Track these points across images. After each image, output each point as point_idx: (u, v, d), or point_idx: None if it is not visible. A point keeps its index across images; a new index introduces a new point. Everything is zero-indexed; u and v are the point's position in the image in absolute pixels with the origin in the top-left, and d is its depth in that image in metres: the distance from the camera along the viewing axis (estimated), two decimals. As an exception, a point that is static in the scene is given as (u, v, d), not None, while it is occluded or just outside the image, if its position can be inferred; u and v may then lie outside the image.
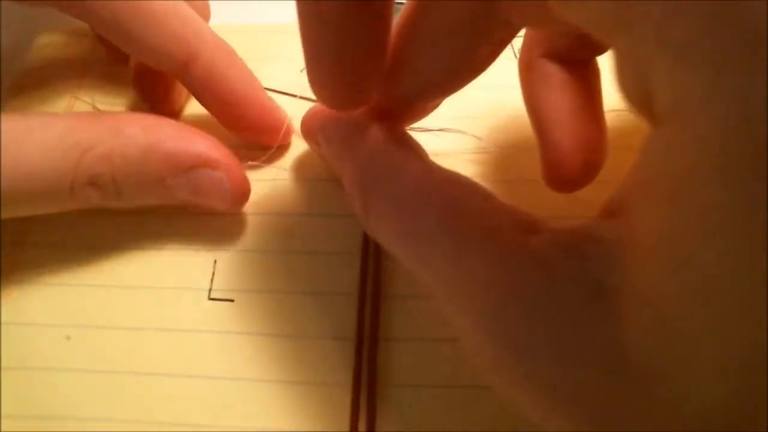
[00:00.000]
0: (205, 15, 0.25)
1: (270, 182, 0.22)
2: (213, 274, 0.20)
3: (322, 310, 0.20)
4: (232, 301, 0.20)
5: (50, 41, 0.27)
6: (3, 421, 0.18)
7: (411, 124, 0.19)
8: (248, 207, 0.21)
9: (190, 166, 0.19)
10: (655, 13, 0.09)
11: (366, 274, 0.20)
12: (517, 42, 0.25)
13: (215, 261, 0.21)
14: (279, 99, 0.23)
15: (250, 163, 0.22)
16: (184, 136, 0.19)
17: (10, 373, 0.19)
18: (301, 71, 0.25)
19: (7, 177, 0.17)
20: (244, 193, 0.20)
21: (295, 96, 0.23)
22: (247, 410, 0.18)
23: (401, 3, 0.26)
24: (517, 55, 0.25)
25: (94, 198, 0.18)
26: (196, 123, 0.21)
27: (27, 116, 0.18)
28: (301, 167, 0.23)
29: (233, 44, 0.26)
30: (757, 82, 0.08)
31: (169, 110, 0.24)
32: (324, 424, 0.18)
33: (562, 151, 0.18)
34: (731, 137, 0.08)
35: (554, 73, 0.18)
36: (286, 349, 0.19)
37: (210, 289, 0.20)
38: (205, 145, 0.19)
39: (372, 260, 0.20)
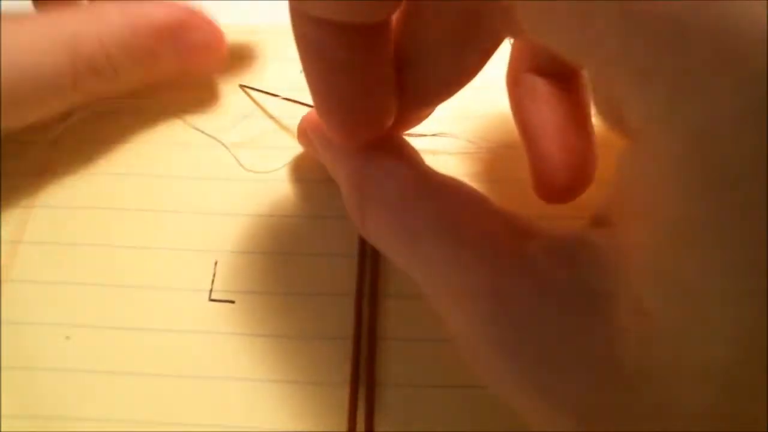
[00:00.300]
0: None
1: (270, 184, 0.22)
2: (214, 275, 0.20)
3: (323, 311, 0.20)
4: (232, 302, 0.20)
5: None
6: (3, 421, 0.18)
7: (405, 131, 0.19)
8: (248, 208, 0.22)
9: (174, 31, 0.21)
10: (614, 37, 0.09)
11: (363, 275, 0.20)
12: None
13: (216, 262, 0.21)
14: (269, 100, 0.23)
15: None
16: (159, 6, 0.21)
17: (10, 373, 0.19)
18: (302, 72, 0.25)
19: (9, 78, 0.18)
20: (222, 43, 0.22)
21: (277, 96, 0.23)
22: (247, 410, 0.18)
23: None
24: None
25: (94, 84, 0.20)
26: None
27: (16, 18, 0.19)
28: (299, 169, 0.23)
29: (232, 45, 0.26)
30: (711, 100, 0.08)
31: None
32: (324, 424, 0.18)
33: (551, 162, 0.18)
34: (689, 154, 0.09)
35: (540, 87, 0.18)
36: (286, 350, 0.19)
37: (211, 290, 0.20)
38: (180, 10, 0.21)
39: (369, 261, 0.20)
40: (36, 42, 0.19)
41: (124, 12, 0.20)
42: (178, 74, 0.22)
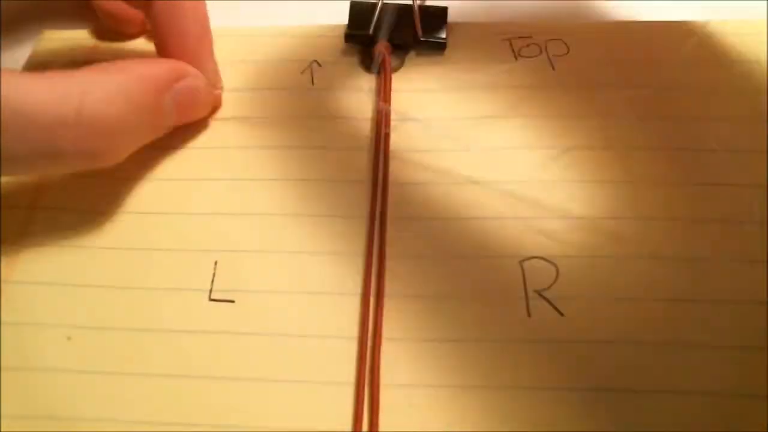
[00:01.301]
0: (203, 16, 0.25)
1: (270, 183, 0.22)
2: (213, 274, 0.20)
3: (323, 311, 0.20)
4: (232, 302, 0.20)
5: (50, 41, 0.27)
6: (3, 421, 0.18)
7: None
8: (248, 208, 0.21)
9: (174, 80, 0.21)
10: None
11: (370, 272, 0.20)
12: (516, 43, 0.26)
13: (216, 262, 0.21)
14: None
15: None
16: (152, 60, 0.21)
17: (10, 373, 0.19)
18: (302, 73, 0.25)
19: (9, 129, 0.17)
20: (217, 95, 0.23)
21: None
22: (247, 410, 0.18)
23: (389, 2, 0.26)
24: (518, 56, 0.25)
25: (99, 147, 0.19)
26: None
27: (22, 73, 0.18)
28: (302, 167, 0.23)
29: (233, 46, 0.26)
30: None
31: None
32: (324, 424, 0.18)
33: None
34: None
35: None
36: (286, 350, 0.19)
37: (210, 290, 0.20)
38: (172, 61, 0.21)
39: (375, 261, 0.20)
40: (41, 101, 0.17)
41: (127, 68, 0.20)
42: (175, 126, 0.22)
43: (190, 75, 0.21)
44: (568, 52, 0.25)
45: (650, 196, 0.21)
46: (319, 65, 0.26)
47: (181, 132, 0.23)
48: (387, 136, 0.23)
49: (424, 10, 0.26)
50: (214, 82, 0.23)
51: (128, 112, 0.19)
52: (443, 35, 0.26)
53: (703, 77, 0.24)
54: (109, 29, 0.26)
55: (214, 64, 0.24)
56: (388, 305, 0.19)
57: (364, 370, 0.18)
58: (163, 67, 0.21)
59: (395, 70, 0.25)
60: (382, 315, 0.19)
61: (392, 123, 0.23)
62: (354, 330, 0.19)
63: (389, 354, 0.19)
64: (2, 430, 0.18)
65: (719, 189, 0.21)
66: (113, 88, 0.19)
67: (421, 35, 0.26)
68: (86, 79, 0.18)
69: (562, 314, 0.19)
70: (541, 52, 0.25)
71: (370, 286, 0.20)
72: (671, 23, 0.26)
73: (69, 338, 0.19)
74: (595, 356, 0.18)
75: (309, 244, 0.21)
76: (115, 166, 0.23)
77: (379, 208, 0.21)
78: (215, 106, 0.24)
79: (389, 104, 0.24)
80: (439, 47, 0.26)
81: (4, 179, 0.22)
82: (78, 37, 0.27)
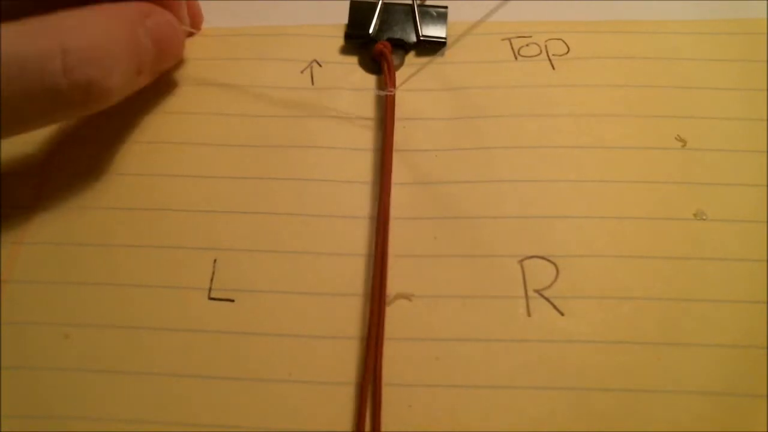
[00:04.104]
0: (197, 17, 0.26)
1: (270, 182, 0.22)
2: (213, 273, 0.20)
3: (323, 311, 0.20)
4: (232, 300, 0.20)
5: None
6: (3, 421, 0.18)
7: None
8: (248, 207, 0.22)
9: (144, 16, 0.21)
10: None
11: (376, 274, 0.20)
12: (516, 42, 0.26)
13: (215, 260, 0.21)
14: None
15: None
16: (120, 2, 0.21)
17: (10, 373, 0.19)
18: (302, 72, 0.25)
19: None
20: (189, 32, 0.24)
21: None
22: (247, 410, 0.18)
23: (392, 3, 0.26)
24: (518, 56, 0.25)
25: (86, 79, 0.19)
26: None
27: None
28: (302, 167, 0.23)
29: (233, 46, 0.26)
30: None
31: None
32: (325, 424, 0.18)
33: None
34: None
35: None
36: (286, 349, 0.19)
37: (210, 289, 0.20)
38: (139, 2, 0.21)
39: (376, 261, 0.20)
40: (24, 43, 0.18)
41: (97, 7, 0.20)
42: (155, 68, 0.23)
43: (157, 12, 0.22)
44: (568, 51, 0.25)
45: (650, 195, 0.21)
46: (319, 65, 0.26)
47: (179, 128, 0.23)
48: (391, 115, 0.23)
49: (424, 9, 0.26)
50: (185, 20, 0.24)
51: (108, 41, 0.20)
52: (443, 35, 0.26)
53: (703, 77, 0.24)
54: None
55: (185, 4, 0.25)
56: (390, 305, 0.19)
57: (371, 370, 0.18)
58: (131, 5, 0.21)
59: (395, 70, 0.25)
60: (383, 315, 0.19)
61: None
62: (354, 330, 0.19)
63: (389, 354, 0.19)
64: (2, 430, 0.18)
65: (719, 189, 0.21)
66: (90, 23, 0.19)
67: (421, 35, 0.26)
68: (63, 21, 0.19)
69: (562, 314, 0.19)
70: (541, 51, 0.25)
71: (375, 285, 0.20)
72: (671, 23, 0.26)
73: (67, 337, 0.19)
74: (595, 356, 0.18)
75: (309, 244, 0.21)
76: (115, 162, 0.23)
77: (380, 208, 0.21)
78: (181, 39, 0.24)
79: (394, 89, 0.24)
80: (439, 47, 0.26)
81: (5, 179, 0.22)
82: None
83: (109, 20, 0.20)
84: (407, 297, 0.20)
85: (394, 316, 0.19)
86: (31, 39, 0.18)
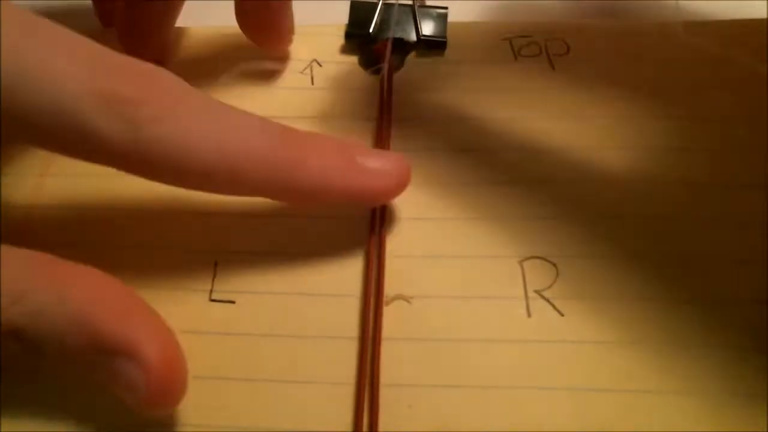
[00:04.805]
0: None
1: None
2: (214, 275, 0.20)
3: (324, 312, 0.20)
4: (233, 302, 0.20)
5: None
6: (3, 421, 0.18)
7: None
8: (248, 208, 0.22)
9: (113, 352, 0.16)
10: None
11: (370, 275, 0.20)
12: (517, 42, 0.26)
13: (216, 262, 0.21)
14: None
15: None
16: (123, 311, 0.16)
17: (11, 373, 0.19)
18: (302, 72, 0.25)
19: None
20: (163, 394, 0.16)
21: None
22: (247, 410, 0.18)
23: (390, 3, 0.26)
24: (518, 56, 0.25)
25: (14, 350, 0.16)
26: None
27: None
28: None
29: (232, 46, 0.26)
30: None
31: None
32: (324, 425, 0.18)
33: None
34: None
35: None
36: (287, 350, 0.19)
37: (211, 290, 0.20)
38: (138, 333, 0.16)
39: (376, 261, 0.20)
40: None
41: (86, 297, 0.16)
42: None
43: (132, 355, 0.16)
44: (568, 51, 0.25)
45: (650, 195, 0.21)
46: (319, 65, 0.26)
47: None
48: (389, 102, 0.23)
49: (425, 9, 0.26)
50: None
51: (50, 341, 0.16)
52: (443, 35, 0.26)
53: (703, 77, 0.24)
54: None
55: None
56: (388, 305, 0.19)
57: (365, 371, 0.18)
58: (122, 330, 0.16)
59: (395, 70, 0.25)
60: (381, 315, 0.19)
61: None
62: (354, 330, 0.19)
63: (389, 354, 0.19)
64: (2, 430, 0.18)
65: (719, 189, 0.21)
66: (49, 311, 0.15)
67: (421, 35, 0.26)
68: None
69: (562, 314, 0.19)
70: (541, 51, 0.25)
71: (370, 286, 0.20)
72: (671, 23, 0.26)
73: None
74: (594, 356, 0.18)
75: (309, 246, 0.21)
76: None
77: (380, 208, 0.21)
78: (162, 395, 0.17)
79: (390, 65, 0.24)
80: (439, 47, 0.26)
81: (5, 179, 0.22)
82: None
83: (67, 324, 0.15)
84: (406, 299, 0.20)
85: (393, 316, 0.19)
86: None
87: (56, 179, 0.23)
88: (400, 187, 0.20)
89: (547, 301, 0.19)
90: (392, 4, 0.26)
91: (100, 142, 0.16)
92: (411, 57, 0.26)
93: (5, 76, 0.15)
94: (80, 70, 0.16)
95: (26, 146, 0.23)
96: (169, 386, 0.16)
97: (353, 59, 0.26)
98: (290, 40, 0.25)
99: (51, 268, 0.17)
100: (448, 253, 0.20)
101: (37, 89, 0.15)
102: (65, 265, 0.17)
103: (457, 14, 0.26)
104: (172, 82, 0.17)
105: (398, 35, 0.26)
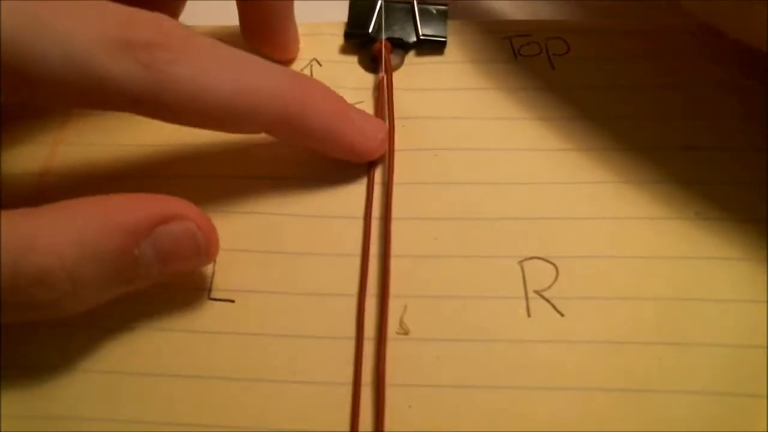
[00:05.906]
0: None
1: (271, 182, 0.22)
2: (213, 273, 0.20)
3: (324, 311, 0.20)
4: (232, 301, 0.20)
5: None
6: (3, 421, 0.18)
7: None
8: (248, 207, 0.21)
9: (156, 223, 0.16)
10: None
11: (366, 274, 0.20)
12: (517, 42, 0.26)
13: (215, 261, 0.21)
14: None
15: None
16: (134, 199, 0.17)
17: (11, 373, 0.19)
18: (302, 71, 0.25)
19: None
20: (215, 242, 0.18)
21: None
22: (247, 410, 0.18)
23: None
24: (518, 55, 0.25)
25: (45, 300, 0.16)
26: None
27: None
28: (301, 167, 0.23)
29: (232, 45, 0.26)
30: None
31: None
32: (323, 425, 0.18)
33: None
34: None
35: None
36: (286, 349, 0.19)
37: (210, 289, 0.20)
38: (161, 203, 0.17)
39: (375, 261, 0.20)
40: None
41: (98, 212, 0.16)
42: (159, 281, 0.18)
43: (180, 217, 0.17)
44: (568, 51, 0.25)
45: (650, 195, 0.21)
46: (319, 64, 0.26)
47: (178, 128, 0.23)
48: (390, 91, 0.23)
49: (424, 8, 0.26)
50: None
51: (83, 262, 0.16)
52: (443, 34, 0.26)
53: (703, 77, 0.24)
54: None
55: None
56: (389, 305, 0.19)
57: (360, 370, 0.18)
58: (145, 205, 0.17)
59: (395, 69, 0.25)
60: (387, 315, 0.19)
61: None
62: (353, 330, 0.19)
63: (389, 354, 0.19)
64: (2, 430, 0.18)
65: (719, 188, 0.21)
66: (66, 233, 0.16)
67: (421, 34, 0.26)
68: (39, 223, 0.16)
69: (562, 315, 0.19)
70: (541, 50, 0.25)
71: (365, 285, 0.20)
72: (671, 23, 0.26)
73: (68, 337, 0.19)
74: (594, 356, 0.18)
75: (309, 245, 0.21)
76: (112, 166, 0.23)
77: (381, 207, 0.21)
78: (215, 244, 0.19)
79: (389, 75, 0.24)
80: (439, 46, 0.26)
81: (5, 178, 0.22)
82: None
83: (99, 232, 0.16)
84: (405, 301, 0.20)
85: (393, 316, 0.19)
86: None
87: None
88: (378, 151, 0.22)
89: (547, 301, 0.19)
90: (392, 3, 0.26)
91: (117, 87, 0.17)
92: (411, 56, 0.26)
93: (17, 33, 0.16)
94: (91, 21, 0.16)
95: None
96: (214, 235, 0.18)
97: (353, 59, 0.26)
98: (297, 49, 0.26)
99: (41, 210, 0.17)
100: (448, 253, 0.20)
101: (50, 41, 0.16)
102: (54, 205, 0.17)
103: (457, 13, 0.26)
104: (180, 28, 0.18)
105: (398, 35, 0.26)
